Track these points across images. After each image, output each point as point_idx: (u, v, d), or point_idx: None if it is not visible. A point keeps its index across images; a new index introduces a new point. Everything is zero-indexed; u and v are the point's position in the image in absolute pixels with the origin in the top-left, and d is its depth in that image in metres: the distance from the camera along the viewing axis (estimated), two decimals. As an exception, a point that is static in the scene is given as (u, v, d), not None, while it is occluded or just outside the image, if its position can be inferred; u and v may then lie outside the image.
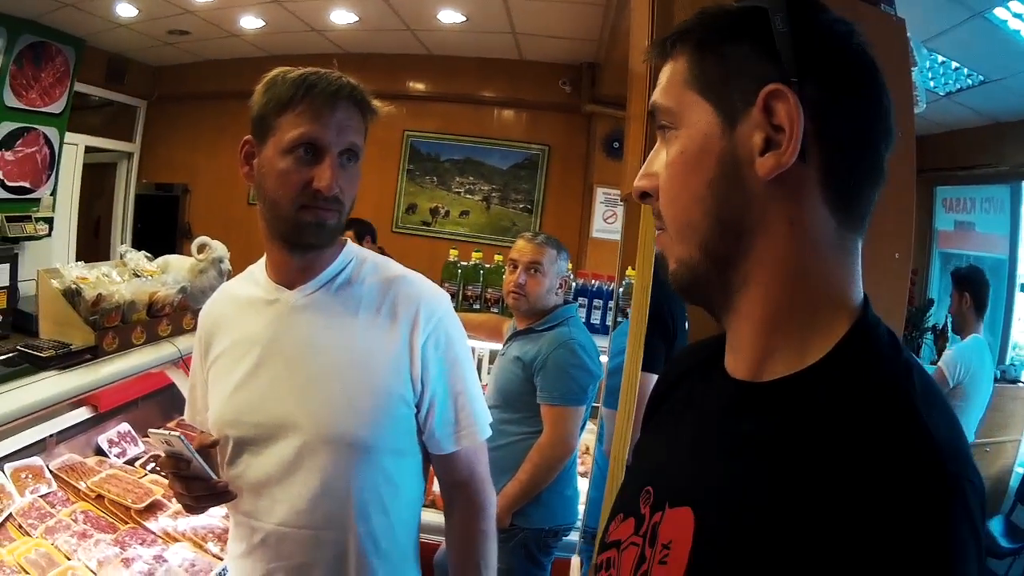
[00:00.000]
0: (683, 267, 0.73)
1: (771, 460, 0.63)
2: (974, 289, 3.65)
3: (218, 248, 2.73)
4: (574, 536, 2.81)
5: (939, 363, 3.55)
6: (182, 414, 1.81)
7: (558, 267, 2.74)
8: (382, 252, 2.36)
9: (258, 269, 1.48)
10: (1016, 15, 3.44)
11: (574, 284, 3.54)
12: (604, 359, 2.79)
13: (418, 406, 1.42)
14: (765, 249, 0.68)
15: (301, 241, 1.33)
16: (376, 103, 1.37)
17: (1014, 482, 4.56)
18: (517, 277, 2.73)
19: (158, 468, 2.43)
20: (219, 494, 1.34)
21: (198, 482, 1.32)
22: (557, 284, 2.74)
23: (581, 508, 2.80)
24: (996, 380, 4.60)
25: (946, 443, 0.59)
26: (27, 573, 1.86)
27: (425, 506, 1.66)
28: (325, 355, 1.37)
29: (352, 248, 1.47)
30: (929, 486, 0.56)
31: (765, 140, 0.66)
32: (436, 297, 1.45)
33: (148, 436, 1.56)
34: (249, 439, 1.38)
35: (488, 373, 3.87)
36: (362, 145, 1.36)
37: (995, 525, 4.36)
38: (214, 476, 1.33)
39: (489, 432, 1.50)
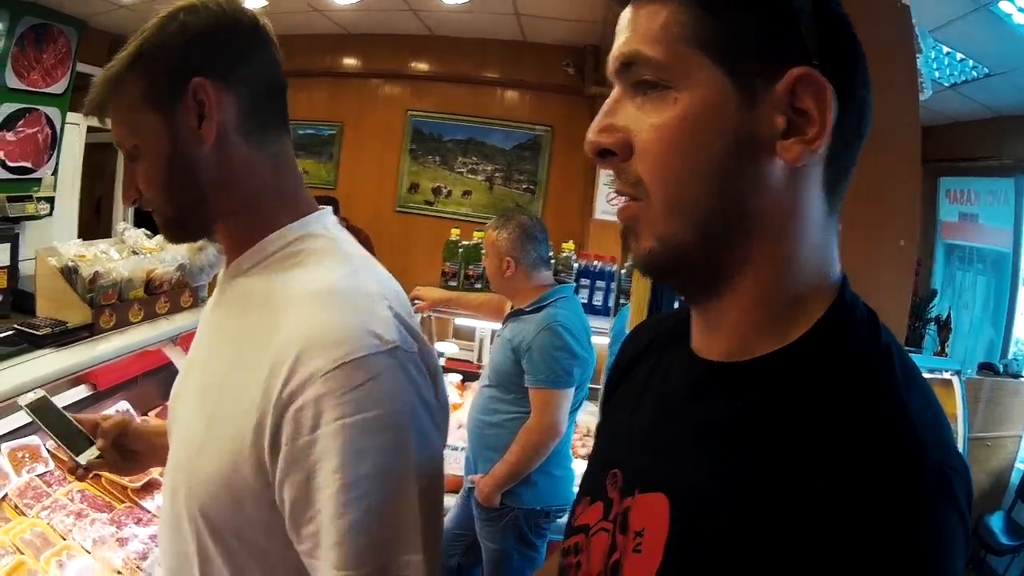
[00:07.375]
0: (664, 246, 0.65)
1: (750, 443, 0.61)
2: None
3: (217, 227, 2.69)
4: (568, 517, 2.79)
5: None
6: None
7: (498, 246, 2.73)
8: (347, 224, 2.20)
9: None
10: (1021, 9, 3.41)
11: (576, 265, 3.54)
12: (604, 340, 2.76)
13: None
14: (768, 232, 0.64)
15: None
16: (91, 97, 1.00)
17: (1015, 478, 4.51)
18: None
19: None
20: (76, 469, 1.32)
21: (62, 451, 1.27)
22: (504, 264, 2.72)
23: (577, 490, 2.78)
24: (999, 374, 4.60)
25: (928, 429, 0.57)
26: (22, 553, 1.85)
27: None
28: (203, 371, 1.05)
29: (289, 233, 1.01)
30: (913, 478, 0.54)
31: (787, 123, 0.61)
32: (335, 345, 0.84)
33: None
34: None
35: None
36: (129, 140, 1.00)
37: (995, 522, 4.33)
38: (71, 453, 1.31)
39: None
